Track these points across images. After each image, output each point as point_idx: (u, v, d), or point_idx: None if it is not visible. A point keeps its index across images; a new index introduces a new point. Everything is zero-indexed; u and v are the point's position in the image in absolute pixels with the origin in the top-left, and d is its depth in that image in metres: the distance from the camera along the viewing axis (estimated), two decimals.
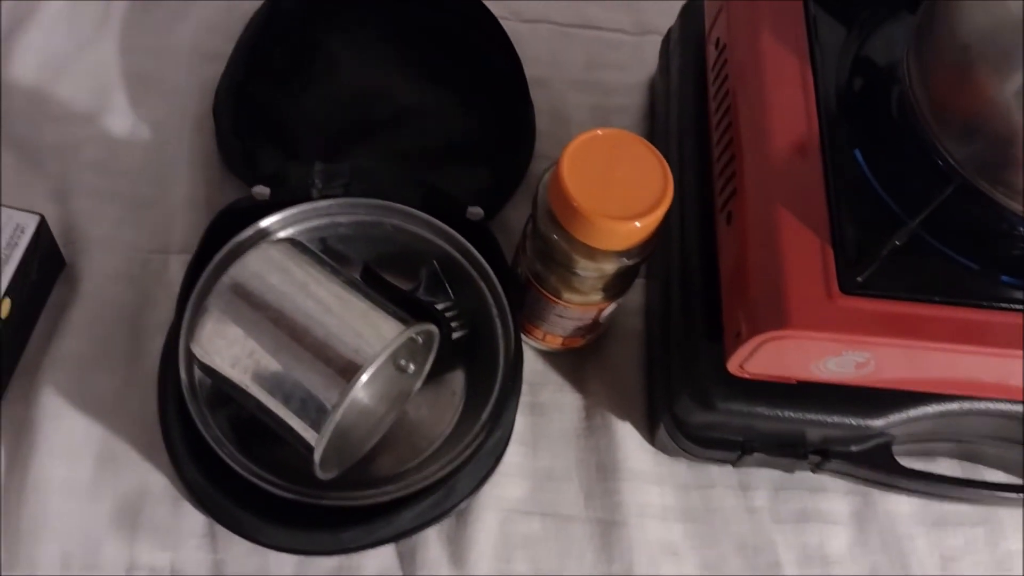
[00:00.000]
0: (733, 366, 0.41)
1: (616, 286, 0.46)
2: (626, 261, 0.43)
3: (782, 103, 0.43)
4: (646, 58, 0.62)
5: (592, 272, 0.44)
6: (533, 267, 0.46)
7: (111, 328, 0.49)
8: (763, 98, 0.43)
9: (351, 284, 0.43)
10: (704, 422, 0.45)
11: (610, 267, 0.43)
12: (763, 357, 0.39)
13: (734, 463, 0.47)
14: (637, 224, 0.41)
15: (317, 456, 0.40)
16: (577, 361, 0.52)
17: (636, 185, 0.41)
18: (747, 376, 0.42)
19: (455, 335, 0.48)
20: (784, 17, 0.45)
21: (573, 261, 0.43)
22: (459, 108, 0.56)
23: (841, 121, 0.43)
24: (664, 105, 0.56)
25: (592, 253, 0.42)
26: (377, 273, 0.50)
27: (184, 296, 0.45)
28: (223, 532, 0.44)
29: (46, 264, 0.48)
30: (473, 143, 0.55)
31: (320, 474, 0.41)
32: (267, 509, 0.43)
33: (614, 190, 0.41)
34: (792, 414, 0.44)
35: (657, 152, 0.42)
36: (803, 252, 0.39)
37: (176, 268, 0.51)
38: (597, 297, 0.46)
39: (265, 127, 0.54)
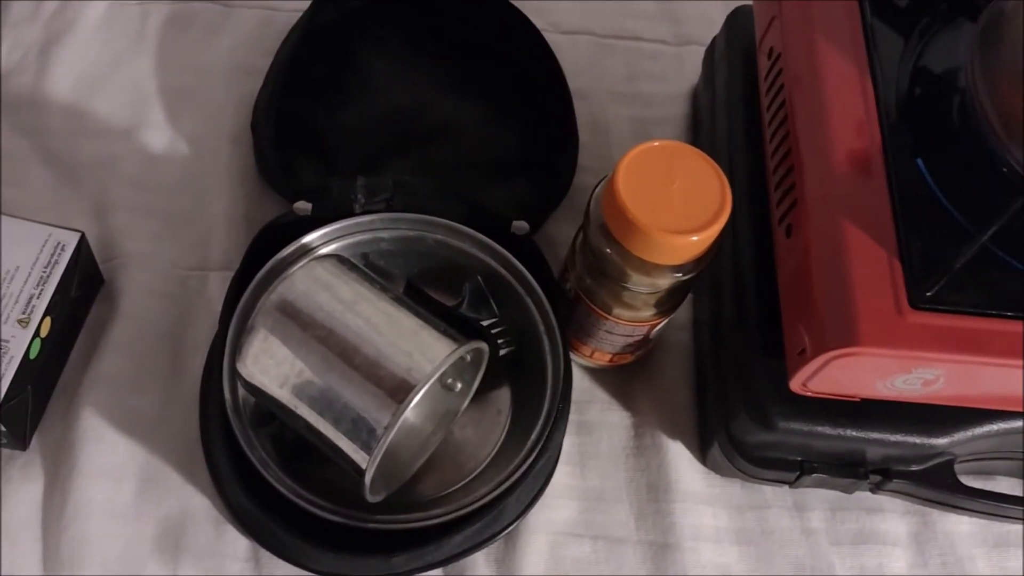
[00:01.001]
0: (796, 384, 0.40)
1: (669, 301, 0.45)
2: (681, 276, 0.42)
3: (842, 113, 0.41)
4: (686, 69, 0.61)
5: (645, 287, 0.43)
6: (582, 282, 0.45)
7: (151, 346, 0.48)
8: (822, 108, 0.42)
9: (399, 302, 0.41)
10: (762, 442, 0.44)
11: (664, 282, 0.42)
12: (829, 375, 0.38)
13: (791, 484, 0.45)
14: (694, 238, 0.40)
15: (368, 479, 0.39)
16: (624, 378, 0.50)
17: (693, 198, 0.40)
18: (809, 394, 0.40)
19: (501, 352, 0.47)
20: (841, 27, 0.44)
21: (626, 276, 0.42)
22: (500, 120, 0.55)
23: (902, 130, 0.42)
24: (709, 116, 0.54)
25: (647, 268, 0.41)
26: (421, 289, 0.49)
27: (227, 313, 0.44)
28: (267, 556, 0.43)
29: (86, 282, 0.47)
30: (515, 156, 0.54)
31: (369, 497, 0.40)
32: (313, 532, 0.42)
33: (671, 203, 0.40)
34: (854, 433, 0.42)
35: (714, 164, 0.41)
36: (870, 266, 0.38)
37: (215, 285, 0.50)
38: (649, 313, 0.45)
39: (304, 142, 0.53)
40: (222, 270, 0.50)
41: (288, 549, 0.42)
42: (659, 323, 0.46)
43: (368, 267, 0.48)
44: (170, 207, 0.52)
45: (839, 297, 0.37)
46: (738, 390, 0.44)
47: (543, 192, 0.52)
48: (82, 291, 0.47)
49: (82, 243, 0.45)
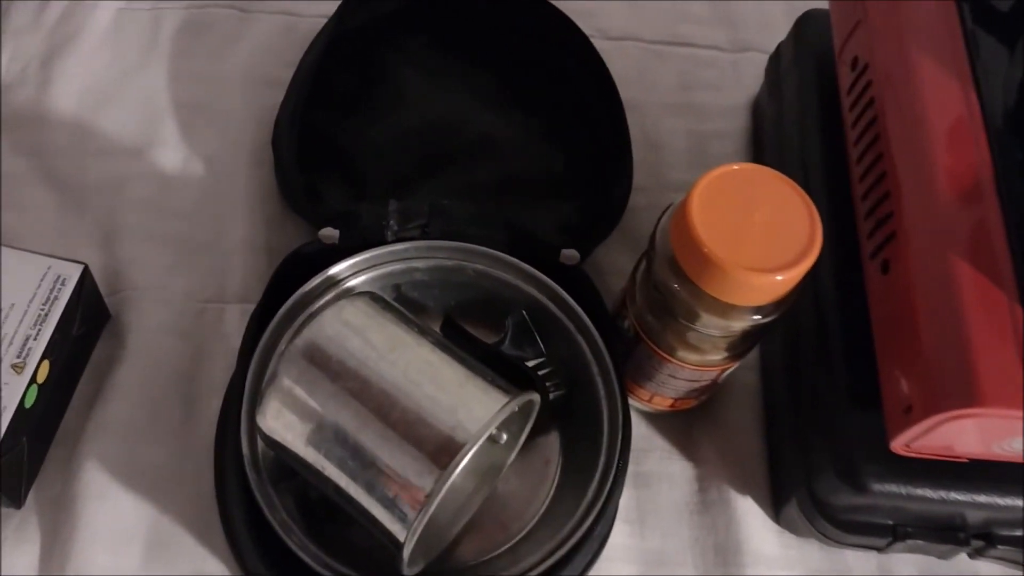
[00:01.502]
0: (898, 445, 0.34)
1: (741, 345, 0.39)
2: (759, 319, 0.37)
3: (945, 131, 0.36)
4: (744, 78, 0.56)
5: (716, 330, 0.38)
6: (643, 320, 0.40)
7: (162, 390, 0.43)
8: (922, 125, 0.36)
9: (440, 346, 0.37)
10: (851, 504, 0.38)
11: (739, 325, 0.37)
12: (939, 436, 0.33)
13: (881, 549, 0.40)
14: (779, 277, 0.34)
15: (406, 553, 0.34)
16: (686, 423, 0.45)
17: (777, 230, 0.35)
18: (911, 455, 0.35)
19: (550, 396, 0.42)
20: (938, 33, 0.39)
21: (696, 316, 0.37)
22: (546, 136, 0.50)
23: (1013, 149, 0.36)
24: (775, 131, 0.49)
25: (721, 308, 0.36)
26: (459, 325, 0.44)
27: (246, 353, 0.40)
28: None
29: (89, 318, 0.43)
30: (563, 175, 0.49)
31: (407, 571, 0.35)
32: None
33: (751, 236, 0.35)
34: (958, 496, 0.37)
35: (801, 191, 0.36)
36: (987, 309, 0.32)
37: (233, 319, 0.45)
38: (718, 357, 0.40)
39: (330, 161, 0.48)
40: (241, 303, 0.46)
41: None
42: (729, 368, 0.41)
43: (400, 300, 0.43)
44: (184, 234, 0.47)
45: (952, 347, 0.32)
46: (822, 445, 0.39)
47: (594, 215, 0.47)
48: (85, 328, 0.42)
49: (85, 276, 0.41)
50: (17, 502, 0.40)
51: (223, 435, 0.41)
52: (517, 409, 0.38)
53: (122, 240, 0.46)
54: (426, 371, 0.35)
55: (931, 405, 0.32)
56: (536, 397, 0.38)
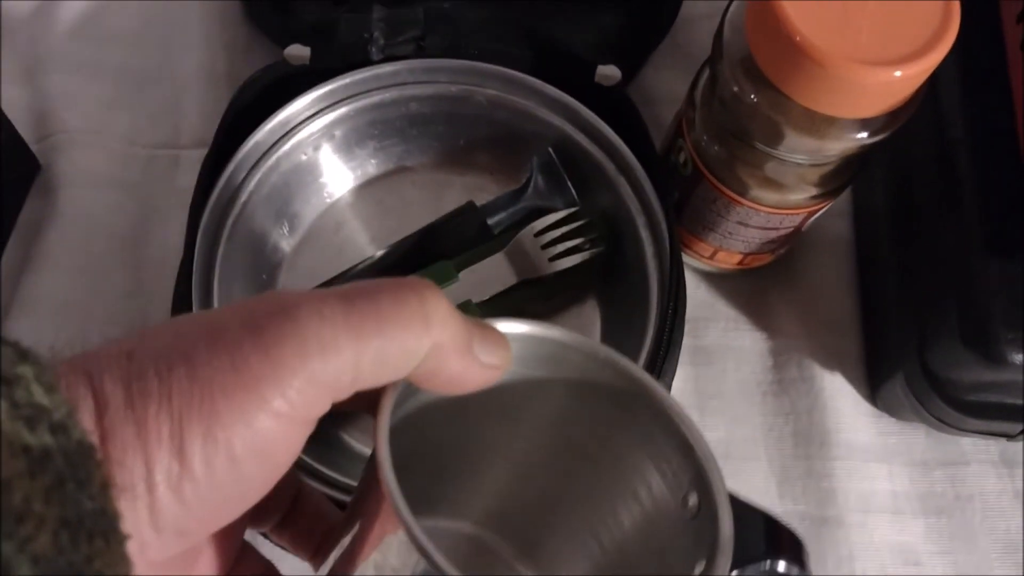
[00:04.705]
0: None
1: (837, 179, 0.30)
2: (864, 138, 0.27)
3: None
4: None
5: (805, 155, 0.28)
6: (705, 150, 0.31)
7: (102, 257, 0.35)
8: None
9: None
10: (980, 381, 0.30)
11: (837, 146, 0.28)
12: None
13: (1012, 437, 0.31)
14: (897, 74, 0.25)
15: None
16: (757, 285, 0.36)
17: (896, 12, 0.25)
18: None
19: (582, 254, 0.33)
20: None
21: (779, 137, 0.28)
22: None
23: None
24: None
25: (814, 123, 0.27)
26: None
27: (196, 211, 0.31)
28: None
29: (11, 168, 0.34)
30: None
31: None
32: None
33: (859, 20, 0.25)
34: None
35: None
36: None
37: (189, 169, 0.37)
38: (803, 195, 0.30)
39: None
40: (199, 148, 0.37)
41: None
42: (817, 210, 0.31)
43: (394, 134, 0.34)
44: (126, 62, 0.39)
45: None
46: (945, 307, 0.30)
47: (637, 26, 0.37)
48: (7, 180, 0.34)
49: None
50: None
51: (179, 312, 0.34)
52: None
53: (48, 73, 0.38)
54: None
55: None
56: None
